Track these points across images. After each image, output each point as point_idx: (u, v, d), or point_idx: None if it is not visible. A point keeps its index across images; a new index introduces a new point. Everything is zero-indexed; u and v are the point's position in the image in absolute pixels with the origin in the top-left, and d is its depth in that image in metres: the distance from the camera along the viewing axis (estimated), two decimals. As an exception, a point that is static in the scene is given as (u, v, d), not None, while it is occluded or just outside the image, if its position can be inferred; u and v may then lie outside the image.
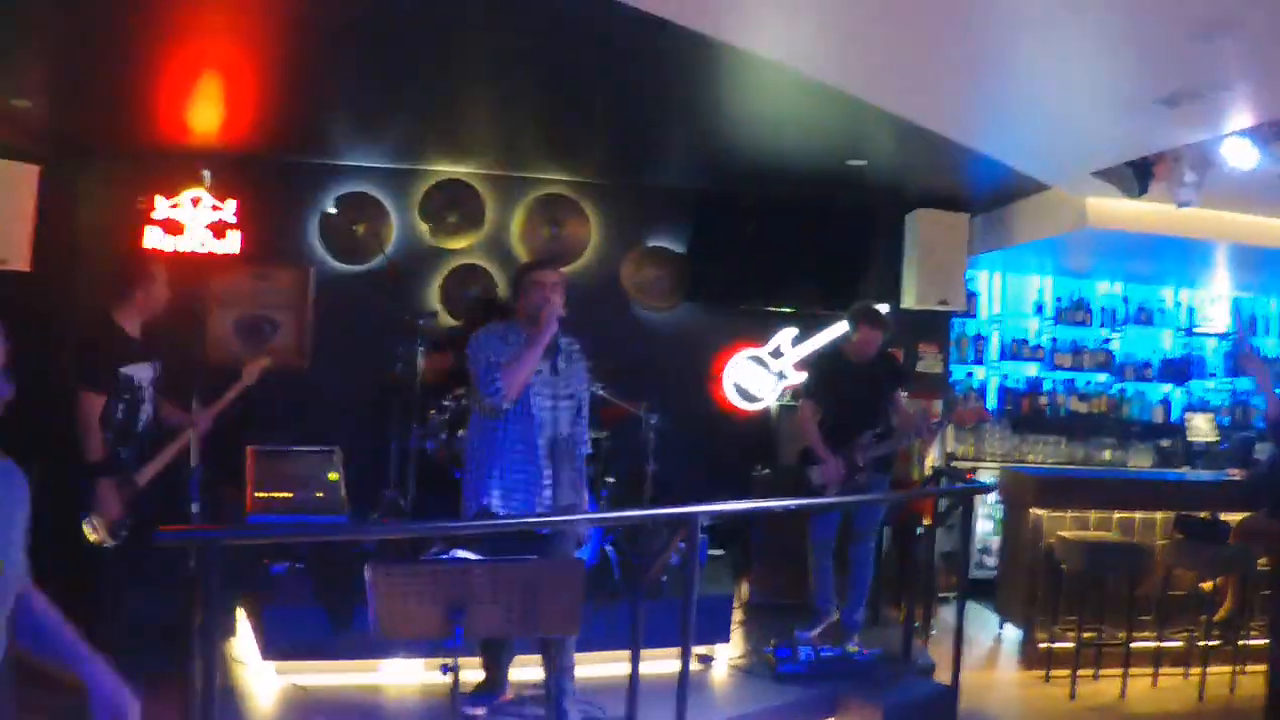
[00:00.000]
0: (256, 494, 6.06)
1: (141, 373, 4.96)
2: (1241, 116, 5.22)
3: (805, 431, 6.42)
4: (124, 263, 5.16)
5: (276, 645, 5.44)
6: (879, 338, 6.37)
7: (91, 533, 4.71)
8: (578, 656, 5.07)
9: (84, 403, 4.70)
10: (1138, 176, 6.17)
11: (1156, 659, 6.68)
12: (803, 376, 7.83)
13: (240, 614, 5.84)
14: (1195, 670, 6.57)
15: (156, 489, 4.99)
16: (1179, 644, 6.82)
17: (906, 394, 6.72)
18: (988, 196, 8.24)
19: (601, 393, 6.75)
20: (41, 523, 4.99)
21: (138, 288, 4.98)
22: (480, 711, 4.83)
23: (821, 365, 6.95)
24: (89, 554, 4.78)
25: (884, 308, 6.92)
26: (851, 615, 6.37)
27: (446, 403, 6.37)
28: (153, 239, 7.54)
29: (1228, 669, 6.57)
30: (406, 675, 5.40)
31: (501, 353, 4.57)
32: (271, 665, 5.38)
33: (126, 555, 4.88)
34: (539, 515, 4.69)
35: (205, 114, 6.90)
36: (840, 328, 7.68)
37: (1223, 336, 9.79)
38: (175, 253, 7.51)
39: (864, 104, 5.64)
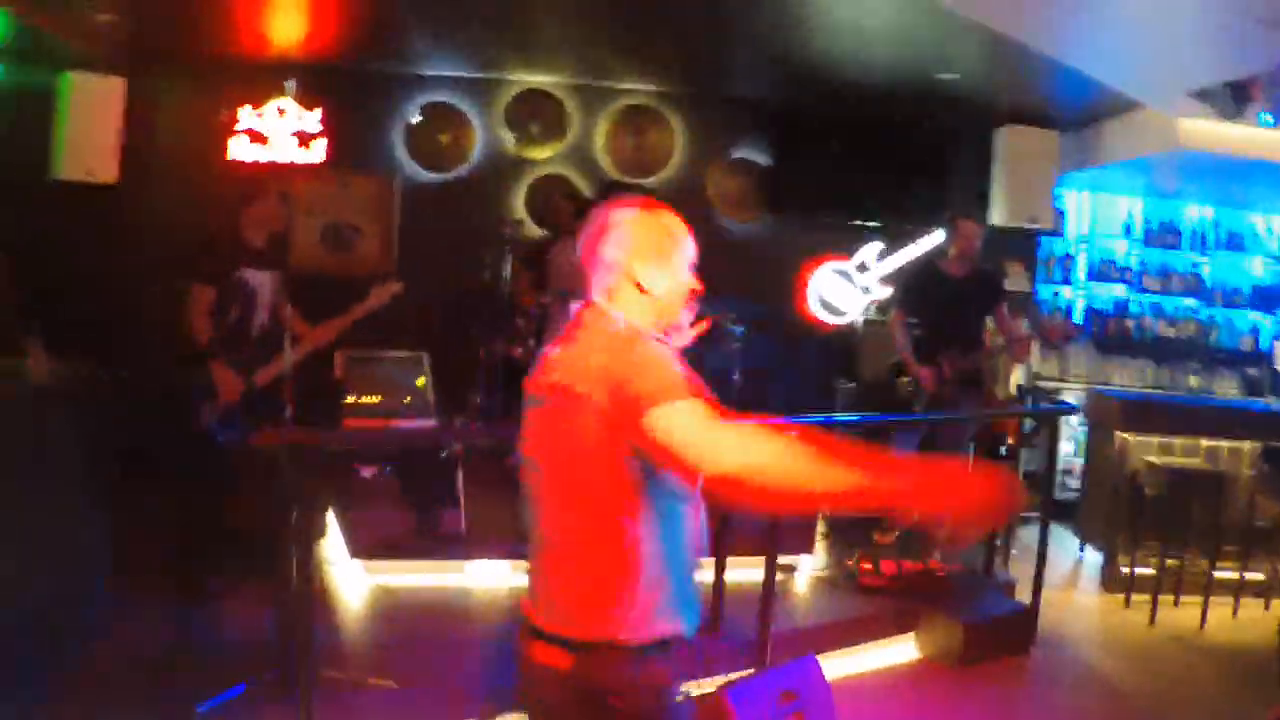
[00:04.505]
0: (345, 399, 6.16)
1: (258, 278, 5.17)
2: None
3: (896, 343, 6.36)
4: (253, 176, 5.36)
5: (365, 546, 5.58)
6: (979, 232, 6.24)
7: (209, 415, 4.89)
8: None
9: (191, 292, 4.98)
10: (1234, 98, 5.98)
11: (1238, 589, 6.58)
12: (888, 291, 7.74)
13: (330, 516, 5.96)
14: (1277, 602, 6.48)
15: (270, 393, 5.10)
16: (1261, 575, 6.72)
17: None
18: (1078, 114, 8.01)
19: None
20: (155, 419, 5.19)
21: (256, 200, 5.22)
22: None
23: (915, 278, 6.85)
24: (201, 452, 4.94)
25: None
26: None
27: (532, 310, 6.43)
28: (238, 149, 7.63)
29: (1310, 603, 6.49)
30: (492, 577, 5.51)
31: None
32: (360, 565, 5.52)
33: (239, 454, 5.00)
34: None
35: (288, 23, 6.91)
36: (928, 242, 7.56)
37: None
38: (259, 162, 7.60)
39: (957, 15, 5.51)
